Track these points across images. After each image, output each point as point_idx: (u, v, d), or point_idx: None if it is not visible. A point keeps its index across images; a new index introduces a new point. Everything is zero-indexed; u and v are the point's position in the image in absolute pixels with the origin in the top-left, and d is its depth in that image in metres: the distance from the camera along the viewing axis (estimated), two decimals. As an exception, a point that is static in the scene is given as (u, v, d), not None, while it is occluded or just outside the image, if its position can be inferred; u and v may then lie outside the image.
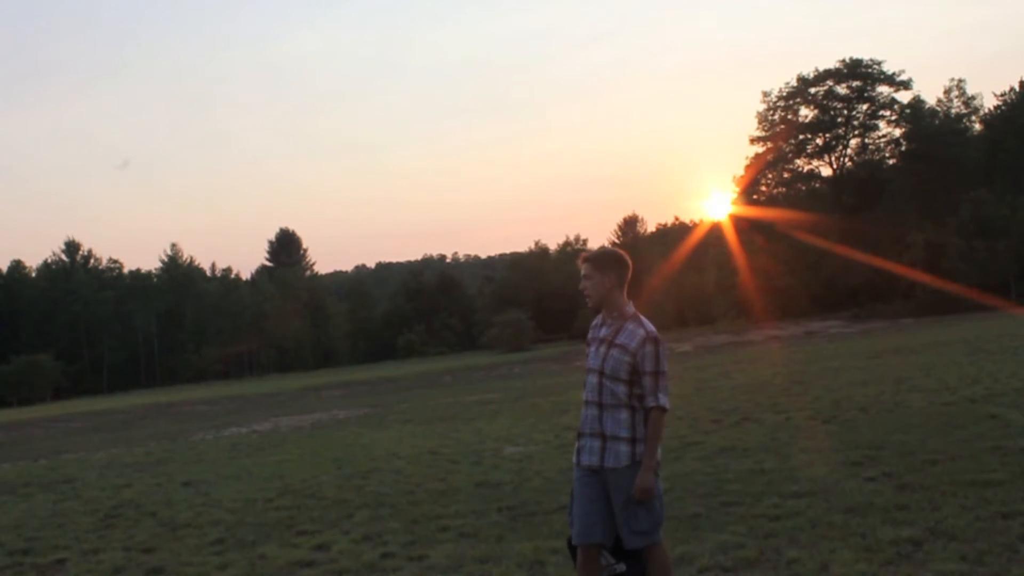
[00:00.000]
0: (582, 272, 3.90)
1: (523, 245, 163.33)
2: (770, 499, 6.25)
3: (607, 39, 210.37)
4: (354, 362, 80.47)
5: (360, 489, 8.64)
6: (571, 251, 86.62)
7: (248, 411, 27.17)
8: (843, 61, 60.49)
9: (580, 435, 3.91)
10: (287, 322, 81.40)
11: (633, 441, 3.77)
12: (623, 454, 3.76)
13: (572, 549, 4.05)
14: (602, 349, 3.84)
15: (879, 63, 60.31)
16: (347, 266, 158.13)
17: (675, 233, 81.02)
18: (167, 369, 78.64)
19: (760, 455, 8.25)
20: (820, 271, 55.97)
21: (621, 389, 3.77)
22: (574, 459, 3.92)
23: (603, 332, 3.89)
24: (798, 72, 65.94)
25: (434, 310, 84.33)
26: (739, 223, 59.72)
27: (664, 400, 3.77)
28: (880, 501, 5.87)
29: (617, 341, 3.81)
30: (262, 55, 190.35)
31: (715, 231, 64.25)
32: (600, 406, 3.81)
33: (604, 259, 3.92)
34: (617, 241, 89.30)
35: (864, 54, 62.26)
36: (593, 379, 3.85)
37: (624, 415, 3.78)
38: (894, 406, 10.89)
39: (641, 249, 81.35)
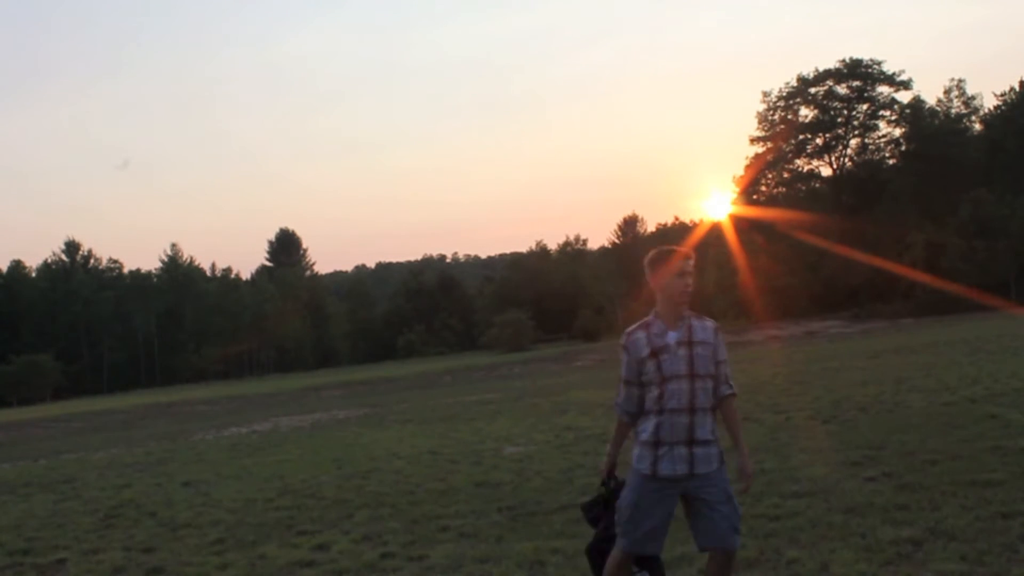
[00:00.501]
0: (689, 269, 3.79)
1: (523, 245, 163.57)
2: (770, 499, 6.25)
3: (607, 39, 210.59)
4: (354, 362, 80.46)
5: (360, 489, 8.64)
6: (571, 251, 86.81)
7: (248, 411, 27.18)
8: (843, 61, 60.54)
9: (659, 444, 3.73)
10: (287, 322, 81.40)
11: (717, 443, 3.78)
12: (714, 457, 3.75)
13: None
14: (681, 352, 3.71)
15: (879, 63, 60.38)
16: (347, 266, 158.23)
17: (675, 233, 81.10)
18: (167, 369, 78.62)
19: (760, 455, 8.24)
20: (820, 271, 56.00)
21: (711, 386, 3.76)
22: (647, 469, 3.74)
23: (672, 336, 3.74)
24: (798, 72, 66.07)
25: (434, 310, 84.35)
26: (739, 223, 59.71)
27: (734, 386, 3.85)
28: (880, 501, 5.87)
29: (696, 339, 3.74)
30: (262, 55, 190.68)
31: (715, 231, 64.25)
32: (692, 412, 3.70)
33: None
34: (617, 241, 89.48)
35: (864, 54, 62.41)
36: (683, 385, 3.69)
37: (710, 419, 3.76)
38: (894, 406, 10.89)
39: (641, 249, 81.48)
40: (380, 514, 7.25)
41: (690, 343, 3.73)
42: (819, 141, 62.92)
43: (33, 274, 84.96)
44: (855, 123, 62.28)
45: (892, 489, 6.20)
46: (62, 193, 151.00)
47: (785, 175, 64.35)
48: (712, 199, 72.73)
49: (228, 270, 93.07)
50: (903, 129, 61.05)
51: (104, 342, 79.81)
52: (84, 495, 10.27)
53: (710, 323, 3.82)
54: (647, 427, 3.77)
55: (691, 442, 3.70)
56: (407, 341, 77.13)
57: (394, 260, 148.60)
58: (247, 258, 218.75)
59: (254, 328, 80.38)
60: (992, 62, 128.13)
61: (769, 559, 4.88)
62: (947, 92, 62.30)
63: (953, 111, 61.93)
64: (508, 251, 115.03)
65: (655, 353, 3.74)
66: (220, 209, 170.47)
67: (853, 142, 63.28)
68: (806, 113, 62.67)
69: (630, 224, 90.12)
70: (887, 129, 62.51)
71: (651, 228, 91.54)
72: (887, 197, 58.30)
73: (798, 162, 64.28)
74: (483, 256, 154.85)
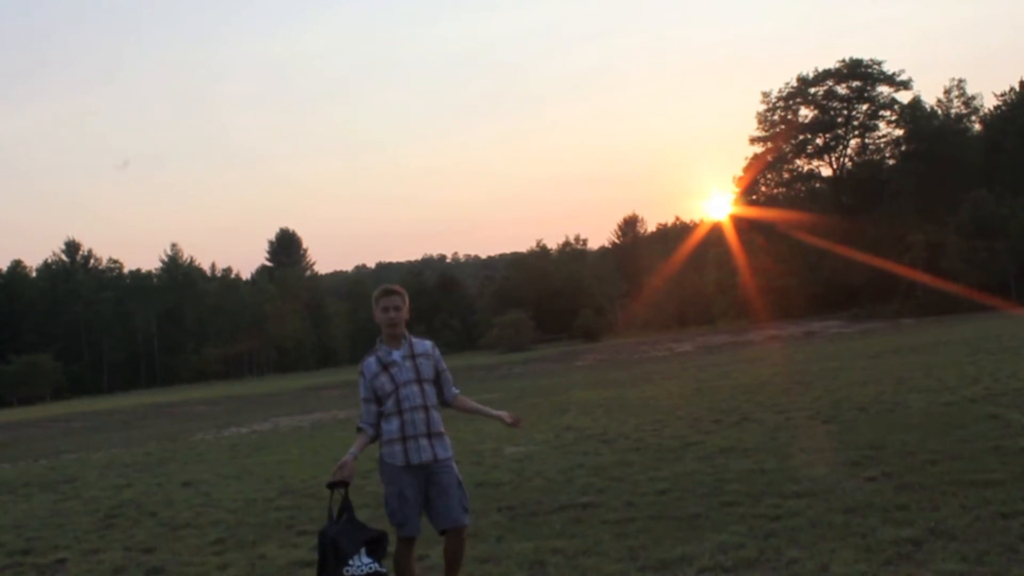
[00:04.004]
0: (395, 304, 4.56)
1: (523, 245, 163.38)
2: (770, 499, 6.25)
3: (607, 38, 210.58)
4: (354, 362, 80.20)
5: (360, 489, 8.63)
6: (571, 251, 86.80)
7: (248, 411, 27.19)
8: (843, 61, 60.47)
9: (406, 438, 4.38)
10: (287, 322, 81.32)
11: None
12: (449, 445, 4.54)
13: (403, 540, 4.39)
14: (407, 363, 4.53)
15: (879, 63, 60.30)
16: (347, 266, 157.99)
17: (675, 233, 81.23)
18: (167, 369, 78.58)
19: (760, 455, 8.25)
20: (820, 271, 55.97)
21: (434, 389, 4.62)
22: (401, 461, 4.36)
23: (397, 354, 4.55)
24: (798, 72, 66.00)
25: (434, 310, 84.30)
26: (739, 223, 59.73)
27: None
28: (880, 501, 5.87)
29: (417, 352, 4.62)
30: (262, 53, 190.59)
31: (715, 231, 64.26)
32: (426, 409, 4.48)
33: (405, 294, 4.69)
34: (617, 241, 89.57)
35: (864, 54, 62.30)
36: (416, 388, 4.49)
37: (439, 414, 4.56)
38: (894, 406, 10.90)
39: (641, 249, 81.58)
40: (380, 514, 7.23)
41: (413, 356, 4.57)
42: (819, 141, 62.86)
43: (33, 274, 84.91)
44: (855, 123, 62.22)
45: (892, 489, 6.20)
46: (62, 193, 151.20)
47: (785, 175, 64.29)
48: (712, 199, 72.78)
49: (228, 270, 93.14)
50: (903, 129, 60.98)
51: (104, 342, 79.74)
52: (84, 495, 10.27)
53: (428, 342, 4.68)
54: (392, 427, 4.40)
55: (429, 435, 4.42)
56: (407, 341, 77.00)
57: (394, 260, 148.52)
58: (247, 258, 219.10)
59: (254, 328, 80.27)
60: (992, 62, 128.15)
61: (769, 559, 4.87)
62: (947, 92, 62.31)
63: (953, 111, 61.89)
64: (508, 251, 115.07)
65: (388, 368, 4.50)
66: (220, 209, 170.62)
67: (853, 142, 63.24)
68: (806, 113, 62.63)
69: (630, 224, 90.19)
70: (887, 129, 62.49)
71: (651, 228, 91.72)
72: (887, 197, 58.24)
73: (798, 162, 64.23)
74: (483, 256, 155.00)
